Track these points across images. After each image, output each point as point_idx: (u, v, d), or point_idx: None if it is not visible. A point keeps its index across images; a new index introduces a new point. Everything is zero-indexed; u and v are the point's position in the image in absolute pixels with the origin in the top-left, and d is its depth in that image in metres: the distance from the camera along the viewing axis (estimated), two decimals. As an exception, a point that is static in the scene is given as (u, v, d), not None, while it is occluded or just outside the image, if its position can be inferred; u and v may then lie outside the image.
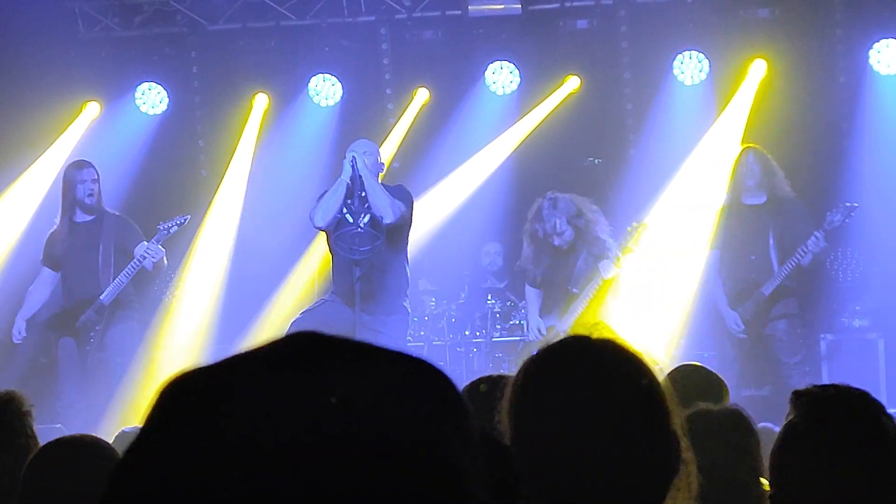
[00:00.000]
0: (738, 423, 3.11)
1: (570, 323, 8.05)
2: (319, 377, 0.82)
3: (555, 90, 10.30)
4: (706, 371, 4.14)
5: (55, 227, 8.79)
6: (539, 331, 8.23)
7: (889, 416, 2.22)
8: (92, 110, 10.49)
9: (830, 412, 2.22)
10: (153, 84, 10.63)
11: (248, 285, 10.10)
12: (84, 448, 3.15)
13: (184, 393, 0.83)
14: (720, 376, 4.16)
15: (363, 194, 7.61)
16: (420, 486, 0.80)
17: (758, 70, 9.92)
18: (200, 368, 0.84)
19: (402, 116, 10.47)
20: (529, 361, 1.93)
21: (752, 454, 3.02)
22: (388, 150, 10.27)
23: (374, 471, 0.79)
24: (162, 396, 0.84)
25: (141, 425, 0.84)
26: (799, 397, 2.25)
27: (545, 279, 8.36)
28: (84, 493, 2.96)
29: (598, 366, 1.88)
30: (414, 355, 0.87)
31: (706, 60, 10.11)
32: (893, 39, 9.81)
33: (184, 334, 9.71)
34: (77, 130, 10.39)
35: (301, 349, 0.85)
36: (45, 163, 10.23)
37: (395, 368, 0.85)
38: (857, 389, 2.28)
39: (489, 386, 2.60)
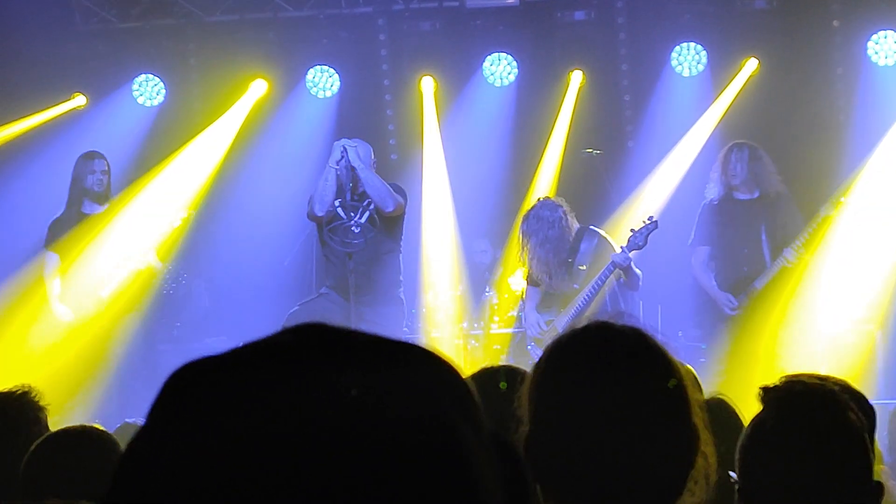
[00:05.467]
0: (724, 412, 3.13)
1: (570, 317, 7.88)
2: (329, 370, 0.80)
3: (565, 91, 10.19)
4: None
5: (60, 213, 8.82)
6: (539, 325, 8.10)
7: (856, 413, 2.21)
8: (78, 101, 10.42)
9: (796, 409, 2.21)
10: (150, 76, 10.61)
11: (242, 277, 10.09)
12: (87, 438, 3.16)
13: (190, 385, 0.81)
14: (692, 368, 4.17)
15: (361, 191, 7.59)
16: (434, 479, 0.78)
17: (754, 62, 9.91)
18: (207, 360, 0.82)
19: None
20: (552, 348, 1.91)
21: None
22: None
23: (387, 465, 0.77)
24: (168, 387, 0.82)
25: (146, 416, 0.82)
26: (766, 393, 2.25)
27: (547, 277, 8.03)
28: (86, 482, 2.97)
29: (620, 353, 1.87)
30: (423, 347, 0.85)
31: (704, 52, 10.10)
32: (891, 31, 9.80)
33: (179, 326, 9.70)
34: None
35: (309, 341, 0.83)
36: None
37: (406, 361, 0.84)
38: (822, 385, 2.27)
39: (508, 379, 2.59)
